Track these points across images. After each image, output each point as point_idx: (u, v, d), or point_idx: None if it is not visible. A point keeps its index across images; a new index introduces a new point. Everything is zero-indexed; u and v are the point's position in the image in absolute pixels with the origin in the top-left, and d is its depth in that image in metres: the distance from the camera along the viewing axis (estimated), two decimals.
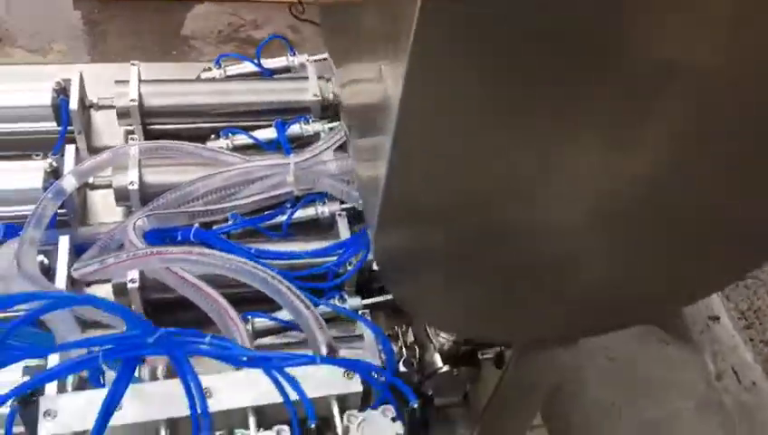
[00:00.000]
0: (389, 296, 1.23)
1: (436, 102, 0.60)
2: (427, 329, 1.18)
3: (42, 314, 0.89)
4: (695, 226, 0.77)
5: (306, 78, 1.49)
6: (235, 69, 1.52)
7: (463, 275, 0.80)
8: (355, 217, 1.32)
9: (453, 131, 0.63)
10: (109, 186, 1.32)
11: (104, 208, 1.37)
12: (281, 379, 0.86)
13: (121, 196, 1.30)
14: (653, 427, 1.82)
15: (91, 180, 1.32)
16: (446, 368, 1.18)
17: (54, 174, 1.28)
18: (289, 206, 1.32)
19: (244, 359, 0.88)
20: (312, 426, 0.80)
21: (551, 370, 0.97)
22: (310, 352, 1.00)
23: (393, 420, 0.75)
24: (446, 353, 1.17)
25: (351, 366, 0.89)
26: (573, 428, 1.78)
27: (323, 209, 1.33)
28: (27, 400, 1.04)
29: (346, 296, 1.23)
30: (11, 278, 1.14)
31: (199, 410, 0.81)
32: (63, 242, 1.19)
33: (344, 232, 1.29)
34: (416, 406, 0.84)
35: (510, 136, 0.65)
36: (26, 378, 0.98)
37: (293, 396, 0.85)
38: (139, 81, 1.41)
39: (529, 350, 0.93)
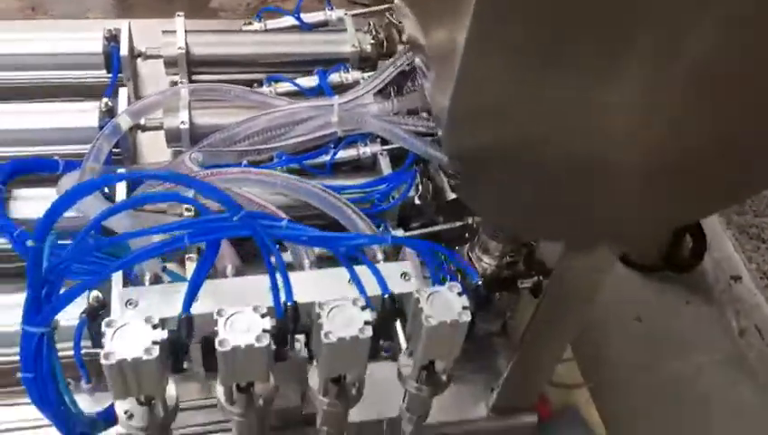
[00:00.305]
0: (430, 229, 1.28)
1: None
2: (470, 255, 1.22)
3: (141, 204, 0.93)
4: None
5: (344, 31, 1.54)
6: (274, 23, 1.57)
7: (522, 172, 0.85)
8: (397, 157, 1.37)
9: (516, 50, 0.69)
10: (158, 127, 1.37)
11: (153, 151, 1.42)
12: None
13: (172, 136, 1.35)
14: (678, 382, 1.86)
15: (141, 122, 1.36)
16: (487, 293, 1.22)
17: (109, 113, 1.34)
18: (332, 146, 1.37)
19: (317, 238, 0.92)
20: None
21: (589, 280, 1.02)
22: None
23: (459, 294, 0.79)
24: (488, 278, 1.21)
25: (420, 246, 0.94)
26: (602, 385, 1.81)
27: (365, 150, 1.37)
28: (95, 313, 1.09)
29: (389, 228, 1.28)
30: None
31: (283, 293, 0.84)
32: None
33: (386, 170, 1.34)
34: (479, 283, 0.90)
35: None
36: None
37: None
38: (186, 31, 1.47)
39: (573, 255, 0.97)
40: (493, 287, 1.22)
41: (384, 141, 1.38)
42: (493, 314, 1.26)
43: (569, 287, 1.03)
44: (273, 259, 0.86)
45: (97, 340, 1.11)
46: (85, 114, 1.35)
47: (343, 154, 1.38)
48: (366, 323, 0.75)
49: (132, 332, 0.71)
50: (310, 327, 0.85)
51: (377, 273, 0.89)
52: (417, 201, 1.31)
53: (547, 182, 0.89)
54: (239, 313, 0.74)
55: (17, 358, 0.94)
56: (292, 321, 0.84)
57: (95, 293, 1.11)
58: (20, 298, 0.89)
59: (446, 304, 0.78)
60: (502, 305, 1.26)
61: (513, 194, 0.88)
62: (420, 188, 1.30)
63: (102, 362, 0.70)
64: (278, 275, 0.86)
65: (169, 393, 0.79)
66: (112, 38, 1.44)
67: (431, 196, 1.31)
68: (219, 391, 0.82)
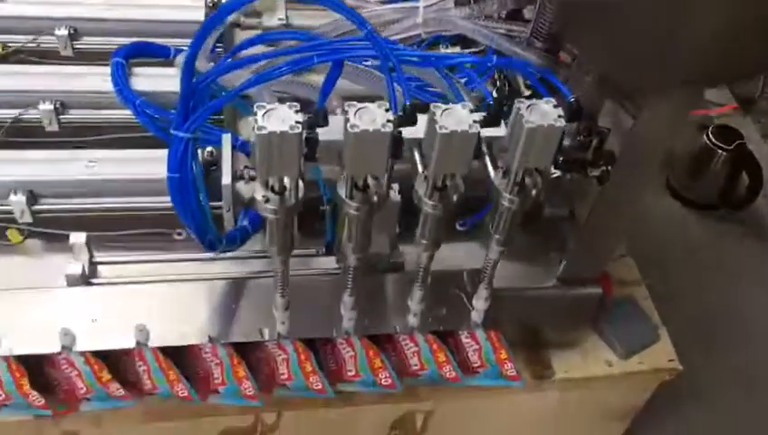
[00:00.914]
0: None
1: None
2: None
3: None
4: None
5: None
6: None
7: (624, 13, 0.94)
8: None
9: None
10: (256, 27, 1.50)
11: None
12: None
13: None
14: (728, 309, 1.94)
15: (241, 19, 1.49)
16: (558, 173, 1.32)
17: (214, 9, 1.47)
18: (415, 46, 1.48)
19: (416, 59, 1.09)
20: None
21: (662, 134, 1.11)
22: None
23: (555, 106, 0.90)
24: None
25: (520, 65, 1.11)
26: None
27: (446, 51, 1.49)
28: (208, 167, 1.22)
29: None
30: None
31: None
32: None
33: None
34: (572, 100, 1.01)
35: None
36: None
37: None
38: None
39: (653, 105, 1.07)
40: (564, 166, 1.32)
41: (464, 46, 1.50)
42: (561, 196, 1.36)
43: (643, 141, 1.13)
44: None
45: (212, 192, 1.23)
46: (193, 10, 1.48)
47: None
48: (474, 121, 0.86)
49: (279, 114, 0.83)
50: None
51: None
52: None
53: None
54: (365, 108, 0.85)
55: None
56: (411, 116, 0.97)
57: (209, 148, 1.24)
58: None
59: (544, 113, 0.88)
60: (571, 188, 1.35)
61: (615, 34, 0.95)
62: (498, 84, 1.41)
63: (255, 133, 0.81)
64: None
65: (300, 185, 0.91)
66: (214, 6, 1.55)
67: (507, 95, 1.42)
68: (342, 187, 0.92)
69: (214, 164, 1.23)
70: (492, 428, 1.58)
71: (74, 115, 1.34)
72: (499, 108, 1.12)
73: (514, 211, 1.00)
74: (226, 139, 1.25)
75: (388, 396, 1.29)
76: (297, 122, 0.83)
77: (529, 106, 0.89)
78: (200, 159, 1.22)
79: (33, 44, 1.46)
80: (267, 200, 0.90)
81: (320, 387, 1.10)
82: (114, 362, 1.07)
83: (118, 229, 1.21)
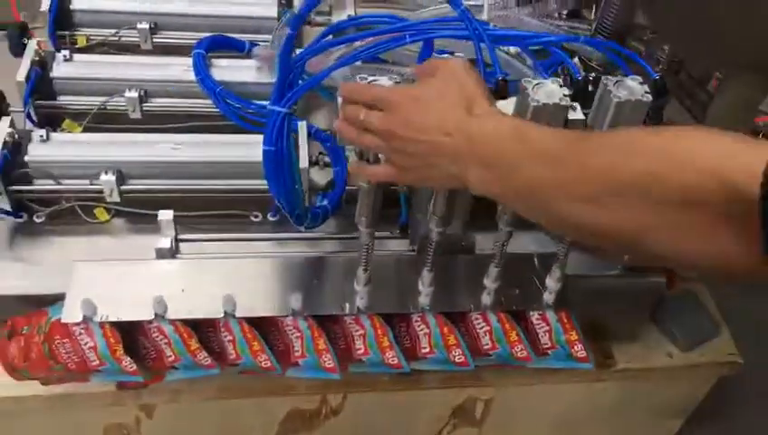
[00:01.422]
0: None
1: None
2: None
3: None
4: None
5: None
6: None
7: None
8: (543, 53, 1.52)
9: None
10: (326, 24, 1.56)
11: None
12: None
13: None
14: None
15: (312, 17, 1.55)
16: None
17: (288, 4, 1.53)
18: None
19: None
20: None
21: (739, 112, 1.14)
22: None
23: (641, 83, 0.93)
24: None
25: (606, 46, 1.14)
26: None
27: (508, 48, 1.53)
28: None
29: None
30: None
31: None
32: None
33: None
34: (657, 78, 1.05)
35: None
36: None
37: None
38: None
39: (727, 88, 1.10)
40: None
41: None
42: None
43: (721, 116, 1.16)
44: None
45: None
46: (267, 7, 1.55)
47: None
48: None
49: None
50: None
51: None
52: None
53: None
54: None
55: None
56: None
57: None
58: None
59: (630, 89, 0.92)
60: None
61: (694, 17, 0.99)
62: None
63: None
64: None
65: None
66: (286, 4, 1.62)
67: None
68: None
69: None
70: (548, 419, 1.60)
71: (156, 103, 1.40)
72: (586, 84, 1.17)
73: None
74: (302, 126, 1.31)
75: (453, 379, 1.32)
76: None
77: (616, 82, 0.92)
78: None
79: (115, 38, 1.53)
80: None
81: (395, 362, 1.14)
82: (198, 335, 1.11)
83: (197, 211, 1.27)
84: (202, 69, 1.38)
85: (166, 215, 1.19)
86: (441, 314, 1.15)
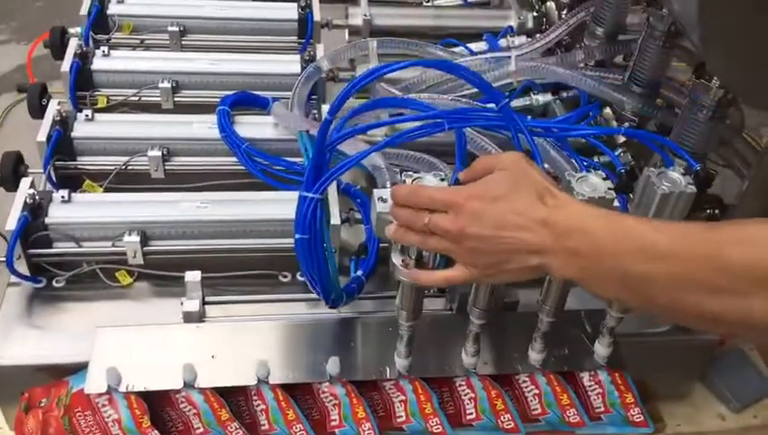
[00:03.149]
0: None
1: None
2: None
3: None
4: None
5: (509, 8, 1.70)
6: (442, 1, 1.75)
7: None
8: (572, 104, 1.49)
9: None
10: (349, 79, 1.53)
11: None
12: None
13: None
14: None
15: (335, 72, 1.53)
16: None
17: (309, 62, 1.51)
18: (507, 94, 1.50)
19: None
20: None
21: None
22: None
23: (683, 174, 0.90)
24: None
25: (650, 137, 1.10)
26: None
27: (537, 97, 1.50)
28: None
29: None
30: (290, 118, 1.35)
31: None
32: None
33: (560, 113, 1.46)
34: (699, 168, 1.02)
35: None
36: None
37: None
38: (369, 2, 1.65)
39: None
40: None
41: (554, 93, 1.52)
42: None
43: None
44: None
45: None
46: (289, 63, 1.53)
47: (516, 103, 1.51)
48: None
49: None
50: None
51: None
52: None
53: None
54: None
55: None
56: None
57: None
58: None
59: (674, 180, 0.89)
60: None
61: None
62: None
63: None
64: None
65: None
66: (307, 6, 1.63)
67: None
68: None
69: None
70: None
71: (179, 162, 1.36)
72: (631, 176, 1.13)
73: None
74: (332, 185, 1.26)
75: None
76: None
77: (659, 174, 0.89)
78: None
79: (136, 98, 1.50)
80: (406, 265, 0.89)
81: (440, 430, 1.06)
82: (229, 405, 1.04)
83: (223, 271, 1.21)
84: (227, 125, 1.34)
85: (193, 276, 1.13)
86: (487, 377, 1.07)
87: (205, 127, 1.37)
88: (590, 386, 1.10)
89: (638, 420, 1.10)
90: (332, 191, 1.24)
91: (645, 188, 0.90)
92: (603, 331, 1.07)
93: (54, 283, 1.20)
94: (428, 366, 1.07)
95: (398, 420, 1.07)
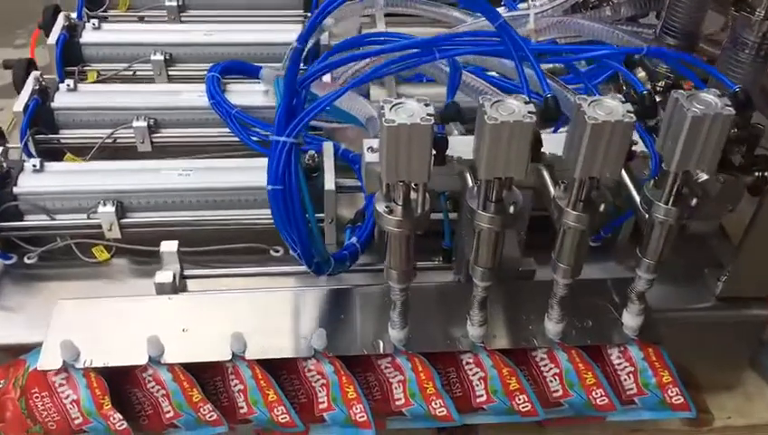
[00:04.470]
0: None
1: None
2: None
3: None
4: None
5: None
6: None
7: None
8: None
9: None
10: None
11: None
12: None
13: None
14: None
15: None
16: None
17: None
18: None
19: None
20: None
21: None
22: None
23: (718, 96, 0.75)
24: None
25: (677, 56, 1.00)
26: None
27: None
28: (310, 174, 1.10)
29: None
30: None
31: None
32: None
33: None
34: (737, 90, 0.88)
35: None
36: None
37: None
38: None
39: None
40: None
41: None
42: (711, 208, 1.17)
43: None
44: None
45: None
46: (290, 33, 1.43)
47: None
48: (629, 111, 0.72)
49: (407, 108, 0.71)
50: None
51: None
52: None
53: None
54: (501, 102, 0.72)
55: None
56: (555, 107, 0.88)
57: (311, 152, 1.13)
58: None
59: (707, 103, 0.74)
60: (723, 197, 1.16)
61: None
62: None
63: (383, 126, 0.69)
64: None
65: (426, 198, 0.77)
66: None
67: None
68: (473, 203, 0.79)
69: (315, 170, 1.12)
70: None
71: (167, 134, 1.26)
72: (653, 98, 0.99)
73: (670, 226, 0.83)
74: (328, 146, 1.14)
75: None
76: (429, 115, 0.70)
77: (689, 96, 0.74)
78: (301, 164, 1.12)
79: (128, 72, 1.42)
80: (390, 211, 0.76)
81: (444, 413, 0.92)
82: (204, 386, 0.92)
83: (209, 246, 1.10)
84: (216, 92, 1.24)
85: (169, 246, 1.02)
86: (498, 353, 0.93)
87: (194, 96, 1.27)
88: (619, 364, 0.95)
89: (678, 402, 0.94)
90: (328, 155, 1.13)
91: (673, 112, 0.76)
92: (632, 296, 0.92)
93: (26, 259, 1.10)
94: (428, 340, 0.93)
95: (397, 403, 0.94)
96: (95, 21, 1.43)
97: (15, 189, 1.08)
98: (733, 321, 1.11)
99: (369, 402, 0.93)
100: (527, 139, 0.72)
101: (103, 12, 1.52)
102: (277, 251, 1.12)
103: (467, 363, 0.94)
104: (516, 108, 0.72)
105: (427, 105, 0.72)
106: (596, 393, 0.93)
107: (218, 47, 1.42)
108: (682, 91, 0.77)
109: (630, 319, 0.94)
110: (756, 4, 1.01)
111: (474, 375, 0.94)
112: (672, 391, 0.94)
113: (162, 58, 1.39)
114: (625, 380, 0.95)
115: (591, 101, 0.73)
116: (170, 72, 1.41)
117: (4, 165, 1.08)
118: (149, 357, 0.88)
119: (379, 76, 1.02)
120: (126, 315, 0.94)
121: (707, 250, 1.20)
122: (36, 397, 0.90)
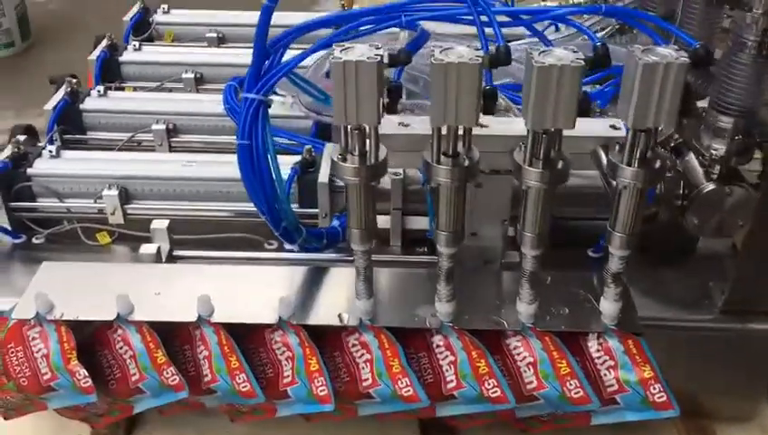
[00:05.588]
0: None
1: None
2: (697, 143, 1.11)
3: None
4: None
5: None
6: None
7: None
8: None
9: None
10: None
11: None
12: None
13: None
14: None
15: None
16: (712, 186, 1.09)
17: None
18: None
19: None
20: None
21: None
22: None
23: (675, 50, 0.74)
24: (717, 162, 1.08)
25: (637, 16, 0.91)
26: None
27: None
28: (306, 169, 1.13)
29: None
30: None
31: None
32: None
33: None
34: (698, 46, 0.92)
35: None
36: None
37: None
38: None
39: None
40: (722, 178, 1.10)
41: None
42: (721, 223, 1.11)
43: None
44: None
45: (305, 195, 1.14)
46: None
47: None
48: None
49: (359, 50, 0.74)
50: None
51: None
52: None
53: None
54: (451, 48, 0.74)
55: None
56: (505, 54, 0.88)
57: (309, 146, 1.16)
58: None
59: (662, 54, 0.73)
60: (734, 210, 1.10)
61: None
62: None
63: (332, 62, 0.71)
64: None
65: (381, 149, 0.78)
66: None
67: None
68: (427, 155, 0.79)
69: (312, 165, 1.15)
70: None
71: (185, 139, 1.33)
72: (605, 50, 0.99)
73: (638, 191, 0.80)
74: (329, 146, 1.17)
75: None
76: (377, 54, 0.73)
77: (645, 49, 0.74)
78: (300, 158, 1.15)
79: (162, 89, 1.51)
80: (345, 160, 0.78)
81: (410, 393, 0.89)
82: (174, 357, 0.93)
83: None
84: (232, 99, 1.29)
85: (159, 224, 1.05)
86: (467, 334, 0.90)
87: (214, 104, 1.34)
88: (598, 357, 0.90)
89: (661, 400, 0.88)
90: (329, 154, 1.15)
91: (628, 66, 0.75)
92: (607, 279, 0.88)
93: (34, 240, 1.15)
94: (396, 315, 0.92)
95: (365, 383, 0.91)
96: (136, 43, 1.52)
97: (30, 171, 1.15)
98: (738, 334, 1.04)
99: (338, 385, 0.91)
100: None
101: (146, 39, 1.62)
102: (271, 244, 1.14)
103: (438, 346, 0.92)
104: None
105: (378, 48, 0.74)
106: (570, 384, 0.88)
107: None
108: (639, 45, 0.77)
109: (608, 305, 0.89)
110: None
111: (444, 359, 0.91)
112: (654, 388, 0.88)
113: (193, 76, 1.47)
114: (605, 374, 0.90)
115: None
116: (199, 89, 1.49)
117: (22, 147, 1.15)
118: (118, 314, 0.90)
119: (346, 40, 1.04)
120: (105, 278, 0.97)
121: (720, 271, 1.13)
122: (12, 352, 0.92)
